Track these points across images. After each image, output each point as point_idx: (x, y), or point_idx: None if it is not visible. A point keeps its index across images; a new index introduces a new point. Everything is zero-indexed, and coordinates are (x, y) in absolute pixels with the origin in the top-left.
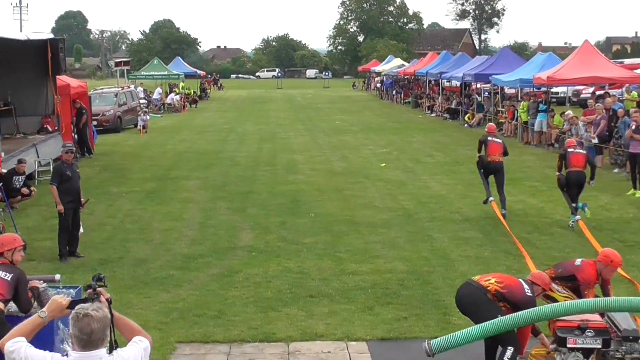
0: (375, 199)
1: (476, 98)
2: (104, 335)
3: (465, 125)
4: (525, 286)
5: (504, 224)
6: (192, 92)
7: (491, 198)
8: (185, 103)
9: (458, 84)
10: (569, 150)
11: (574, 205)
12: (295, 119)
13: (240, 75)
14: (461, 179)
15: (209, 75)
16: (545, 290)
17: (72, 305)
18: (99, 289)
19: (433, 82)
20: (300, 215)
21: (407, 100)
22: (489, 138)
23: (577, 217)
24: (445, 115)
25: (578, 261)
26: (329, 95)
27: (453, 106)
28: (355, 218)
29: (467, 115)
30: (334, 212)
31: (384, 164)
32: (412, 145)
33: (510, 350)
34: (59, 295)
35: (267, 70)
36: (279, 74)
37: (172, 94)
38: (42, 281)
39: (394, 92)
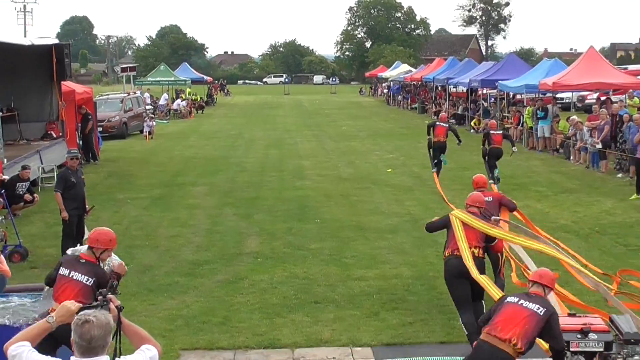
0: (382, 204)
1: (482, 104)
2: (104, 342)
3: (472, 130)
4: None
5: (439, 190)
6: (199, 98)
7: (434, 170)
8: (192, 109)
9: (465, 89)
10: (492, 132)
11: (491, 174)
12: (302, 125)
13: (247, 81)
14: (468, 185)
15: (216, 81)
16: (480, 208)
17: (82, 310)
18: (109, 295)
19: (440, 87)
20: (307, 221)
21: (414, 106)
22: (437, 123)
23: (492, 182)
24: (452, 120)
25: (489, 197)
26: (336, 101)
27: (460, 112)
28: (362, 224)
29: (474, 120)
30: (340, 217)
31: (390, 170)
32: (419, 150)
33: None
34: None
35: (274, 76)
36: (287, 80)
37: (179, 100)
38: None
39: (400, 97)
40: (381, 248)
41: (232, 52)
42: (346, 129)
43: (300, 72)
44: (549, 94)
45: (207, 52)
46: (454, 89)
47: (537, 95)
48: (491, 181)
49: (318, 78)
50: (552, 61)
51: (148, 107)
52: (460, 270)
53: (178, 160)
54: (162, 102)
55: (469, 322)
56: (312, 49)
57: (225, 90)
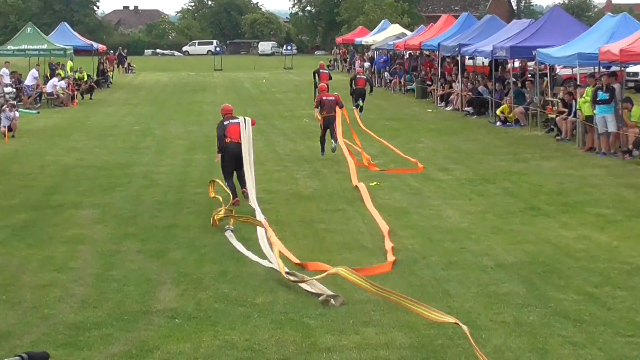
0: (362, 235)
1: (513, 82)
2: None
3: (498, 123)
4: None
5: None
6: (86, 77)
7: (354, 107)
8: (75, 92)
9: (486, 61)
10: (357, 76)
11: (356, 106)
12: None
13: (159, 50)
14: (492, 205)
15: (111, 51)
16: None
17: None
18: None
19: (449, 59)
20: (248, 260)
21: (409, 87)
22: (357, 76)
23: (356, 109)
24: (468, 109)
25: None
26: (293, 79)
27: (479, 93)
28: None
29: (501, 108)
30: (300, 255)
31: (375, 183)
32: (417, 154)
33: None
34: None
35: (199, 44)
36: (218, 49)
37: (55, 79)
38: None
39: (388, 74)
40: (362, 302)
41: (136, 8)
42: (308, 122)
43: (238, 37)
44: (614, 67)
45: (98, 7)
46: (470, 61)
47: (596, 70)
48: (354, 108)
49: (266, 46)
50: (619, 17)
51: (7, 89)
52: (235, 152)
53: (53, 170)
54: (28, 82)
55: (230, 185)
56: (257, 2)
57: (126, 65)
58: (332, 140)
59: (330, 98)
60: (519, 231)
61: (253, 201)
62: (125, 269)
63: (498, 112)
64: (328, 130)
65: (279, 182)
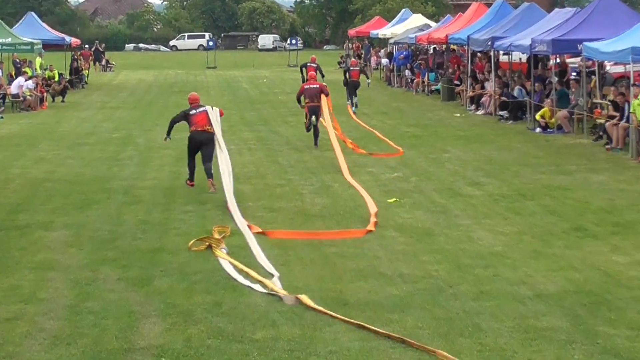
0: (379, 260)
1: (556, 82)
2: None
3: (537, 129)
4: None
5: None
6: (57, 76)
7: (348, 102)
8: (45, 94)
9: (524, 57)
10: (352, 68)
11: (350, 100)
12: (239, 122)
13: (142, 45)
14: (530, 225)
15: (87, 46)
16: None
17: None
18: None
19: (480, 55)
20: (246, 290)
21: (434, 88)
22: (351, 68)
23: (350, 104)
24: (502, 113)
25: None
26: (298, 79)
27: (514, 96)
28: (345, 295)
29: (541, 112)
30: (308, 284)
31: (394, 199)
32: (444, 166)
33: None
34: None
35: (189, 37)
36: (211, 43)
37: (22, 79)
38: None
39: (409, 72)
40: (379, 339)
41: None
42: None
43: (235, 29)
44: None
45: None
46: (505, 57)
47: None
48: (348, 102)
49: (266, 40)
50: None
51: None
52: (201, 139)
53: (19, 185)
54: None
55: (190, 166)
56: None
57: (104, 62)
58: (313, 119)
59: (314, 86)
60: (562, 256)
61: (232, 205)
62: (104, 300)
63: (537, 116)
64: (314, 117)
65: (282, 199)
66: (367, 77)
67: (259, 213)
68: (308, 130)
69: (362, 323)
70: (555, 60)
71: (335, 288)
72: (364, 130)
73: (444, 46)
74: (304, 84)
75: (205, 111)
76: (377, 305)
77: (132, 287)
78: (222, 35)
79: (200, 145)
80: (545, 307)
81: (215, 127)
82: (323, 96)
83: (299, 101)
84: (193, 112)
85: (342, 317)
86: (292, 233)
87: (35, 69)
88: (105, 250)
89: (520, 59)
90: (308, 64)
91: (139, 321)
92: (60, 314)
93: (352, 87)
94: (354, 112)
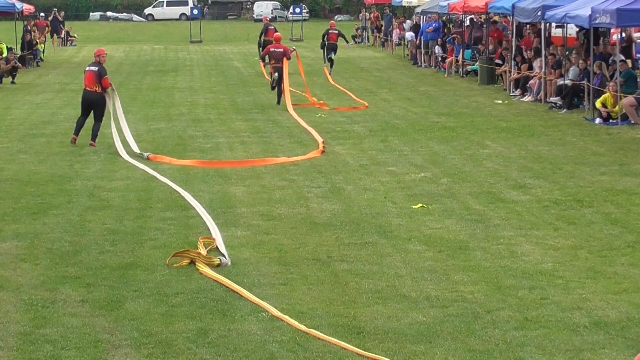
0: (402, 280)
1: (620, 62)
2: None
3: (597, 120)
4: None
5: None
6: (6, 51)
7: (325, 64)
8: None
9: (580, 30)
10: (330, 30)
11: (326, 62)
12: (230, 108)
13: (111, 13)
14: (588, 237)
15: (42, 14)
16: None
17: None
18: None
19: (528, 27)
20: (239, 316)
21: (470, 69)
22: (329, 30)
23: (326, 66)
24: (554, 99)
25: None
26: (304, 56)
27: (570, 81)
28: (359, 321)
29: (602, 98)
30: (312, 309)
31: (420, 205)
32: (482, 164)
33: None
34: None
35: (168, 4)
36: (196, 12)
37: None
38: None
39: (439, 49)
40: None
41: None
42: (324, 117)
43: None
44: None
45: None
46: (559, 30)
47: None
48: (325, 64)
49: (264, 7)
50: None
51: None
52: (87, 100)
53: None
54: None
55: (79, 122)
56: None
57: (63, 34)
58: (276, 75)
59: (279, 50)
60: (625, 275)
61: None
62: (64, 326)
63: (598, 104)
64: (276, 74)
65: (282, 203)
66: (347, 42)
67: (254, 221)
68: (273, 88)
69: (379, 357)
70: (620, 35)
71: (348, 313)
72: (337, 90)
73: (483, 17)
74: (269, 46)
75: (94, 71)
76: (399, 335)
77: (98, 310)
78: (210, 2)
79: (86, 102)
80: (604, 338)
81: (115, 103)
82: (285, 59)
83: (262, 60)
84: (87, 68)
85: (356, 349)
86: (199, 162)
87: None
88: (66, 266)
89: (578, 33)
90: (329, 31)
91: (107, 352)
92: (11, 343)
93: (329, 49)
94: (330, 73)
